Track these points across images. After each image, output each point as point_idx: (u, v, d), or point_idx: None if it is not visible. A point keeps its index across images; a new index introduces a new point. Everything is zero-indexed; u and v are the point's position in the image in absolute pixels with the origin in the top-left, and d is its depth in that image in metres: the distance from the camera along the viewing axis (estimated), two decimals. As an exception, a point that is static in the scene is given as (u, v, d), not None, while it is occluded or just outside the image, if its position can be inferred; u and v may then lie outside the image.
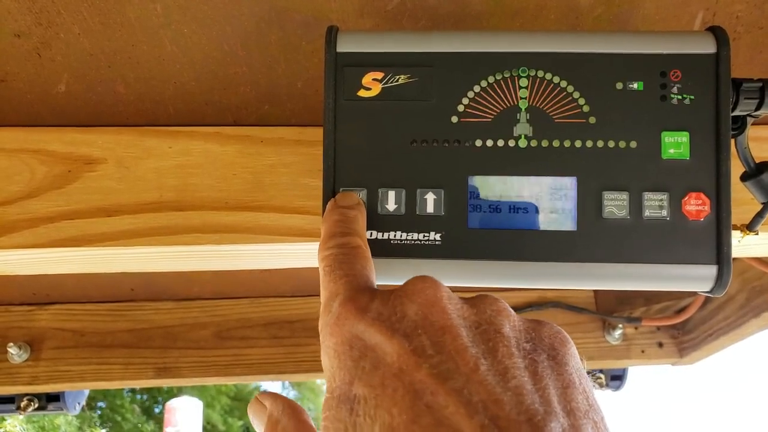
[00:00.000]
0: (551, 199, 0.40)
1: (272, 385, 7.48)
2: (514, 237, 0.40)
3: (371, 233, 0.41)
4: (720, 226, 0.39)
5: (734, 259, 0.82)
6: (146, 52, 0.48)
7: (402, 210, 0.40)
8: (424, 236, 0.40)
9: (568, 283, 0.40)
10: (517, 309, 0.92)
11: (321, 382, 7.98)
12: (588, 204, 0.40)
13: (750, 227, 0.43)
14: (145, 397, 6.34)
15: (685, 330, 0.94)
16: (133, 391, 6.25)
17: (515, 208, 0.40)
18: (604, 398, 1.03)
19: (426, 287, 0.29)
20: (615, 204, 0.40)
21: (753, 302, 0.77)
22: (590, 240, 0.40)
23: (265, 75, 0.51)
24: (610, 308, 0.95)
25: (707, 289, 0.40)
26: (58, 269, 0.53)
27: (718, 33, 0.40)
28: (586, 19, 0.47)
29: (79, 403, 0.96)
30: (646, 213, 0.40)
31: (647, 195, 0.40)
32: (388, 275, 0.41)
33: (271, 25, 0.46)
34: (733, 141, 0.46)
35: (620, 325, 0.94)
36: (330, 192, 0.41)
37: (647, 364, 0.97)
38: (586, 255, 0.40)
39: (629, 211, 0.40)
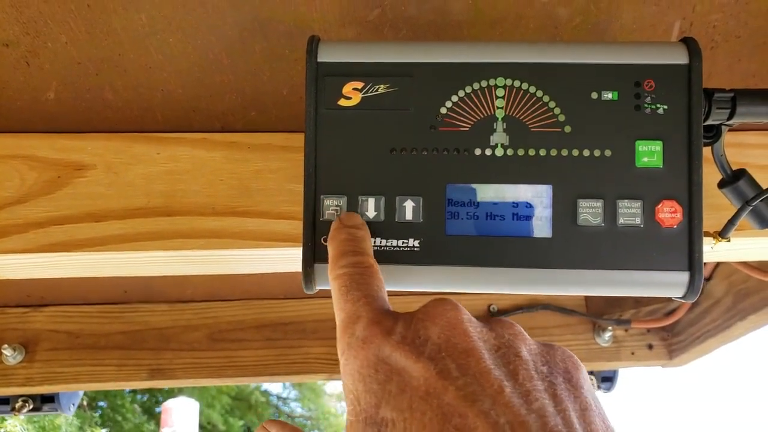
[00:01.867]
0: (527, 207, 0.41)
1: (272, 384, 7.49)
2: (490, 243, 0.41)
3: (351, 240, 0.41)
4: (692, 233, 0.40)
5: (720, 262, 0.83)
6: (133, 60, 0.49)
7: (381, 217, 0.41)
8: (403, 243, 0.41)
9: (544, 289, 0.41)
10: (507, 312, 0.93)
11: (322, 382, 7.97)
12: (563, 211, 0.41)
13: (722, 234, 0.44)
14: (145, 397, 6.36)
15: (674, 332, 0.95)
16: (134, 391, 6.26)
17: (492, 215, 0.41)
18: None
19: (447, 310, 0.30)
20: (590, 211, 0.40)
21: (739, 305, 0.78)
22: (565, 247, 0.40)
23: (251, 83, 0.52)
24: (600, 310, 0.96)
25: (680, 295, 0.41)
26: (47, 274, 0.54)
27: (690, 44, 0.41)
28: (564, 28, 0.48)
29: (73, 404, 0.97)
30: (621, 220, 0.40)
31: (621, 203, 0.40)
32: (367, 281, 0.42)
33: (254, 35, 0.47)
34: (709, 149, 0.47)
35: (610, 328, 0.94)
36: (311, 199, 0.42)
37: (637, 365, 0.97)
38: (561, 261, 0.40)
39: (604, 218, 0.40)
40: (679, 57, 0.41)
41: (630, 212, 0.40)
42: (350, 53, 0.42)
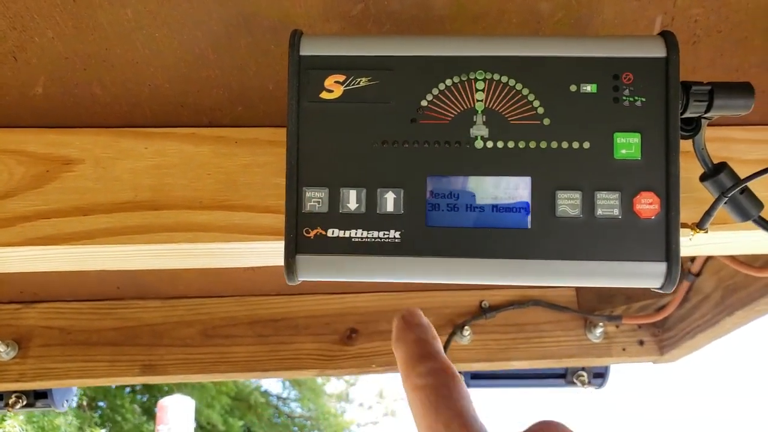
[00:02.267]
0: (506, 199, 0.41)
1: (272, 383, 7.49)
2: (470, 235, 0.41)
3: (333, 231, 0.42)
4: (669, 224, 0.41)
5: (709, 257, 0.84)
6: (120, 55, 0.49)
7: (363, 209, 0.42)
8: (384, 234, 0.42)
9: (523, 280, 0.42)
10: (498, 307, 0.94)
11: (321, 382, 7.98)
12: (542, 203, 0.41)
13: (700, 225, 0.44)
14: (145, 397, 6.36)
15: (664, 328, 0.95)
16: (133, 391, 6.26)
17: (472, 207, 0.41)
18: (586, 396, 1.05)
19: None
20: (568, 203, 0.41)
21: (727, 300, 0.78)
22: (544, 238, 0.41)
23: (237, 78, 0.52)
24: (591, 307, 0.96)
25: (658, 286, 0.41)
26: (34, 267, 0.54)
27: (668, 38, 0.41)
28: (547, 23, 0.48)
29: (67, 401, 0.97)
30: (599, 212, 0.41)
31: (599, 194, 0.41)
32: (349, 273, 0.42)
33: (239, 30, 0.48)
34: (690, 142, 0.47)
35: (601, 324, 0.95)
36: (294, 190, 0.42)
37: (628, 361, 0.98)
38: (539, 252, 0.41)
39: (582, 209, 0.41)
40: (657, 50, 0.41)
41: (608, 204, 0.41)
42: (332, 47, 0.42)
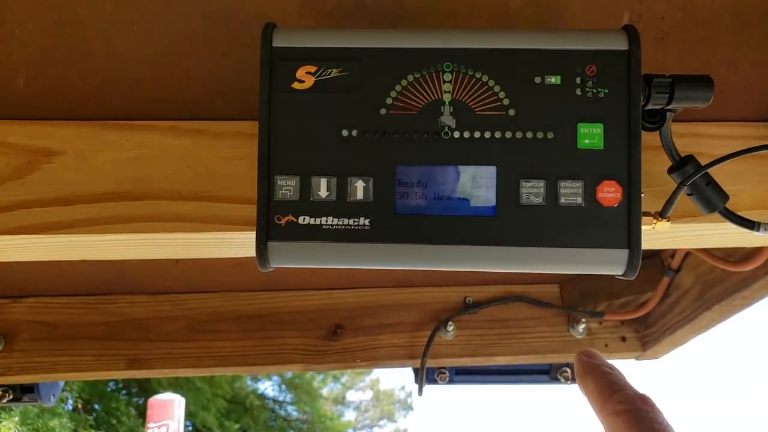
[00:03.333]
0: (473, 187, 0.42)
1: (268, 386, 7.48)
2: (438, 222, 0.42)
3: (304, 218, 0.43)
4: (631, 212, 0.42)
5: (688, 253, 0.85)
6: (100, 48, 0.50)
7: (333, 196, 0.43)
8: (354, 221, 0.43)
9: (489, 266, 0.43)
10: (482, 303, 0.95)
11: (317, 385, 7.96)
12: (507, 191, 0.42)
13: (662, 214, 0.46)
14: (141, 400, 6.34)
15: (646, 324, 0.96)
16: (129, 393, 6.25)
17: (439, 195, 0.42)
18: (570, 393, 1.06)
19: None
20: (532, 191, 0.42)
21: (705, 296, 0.79)
22: (509, 225, 0.42)
23: (216, 71, 0.53)
24: (574, 303, 0.97)
25: (620, 272, 0.42)
26: (16, 256, 0.55)
27: (630, 31, 0.43)
28: (517, 18, 0.50)
29: (53, 395, 0.98)
30: (562, 200, 0.42)
31: (563, 183, 0.42)
32: (319, 259, 0.43)
33: (216, 23, 0.49)
34: (657, 134, 0.49)
35: (584, 320, 0.96)
36: (265, 179, 0.43)
37: (611, 358, 0.98)
38: (504, 239, 0.42)
39: (546, 198, 0.42)
40: (619, 43, 0.43)
41: (571, 192, 0.42)
42: (304, 39, 0.44)
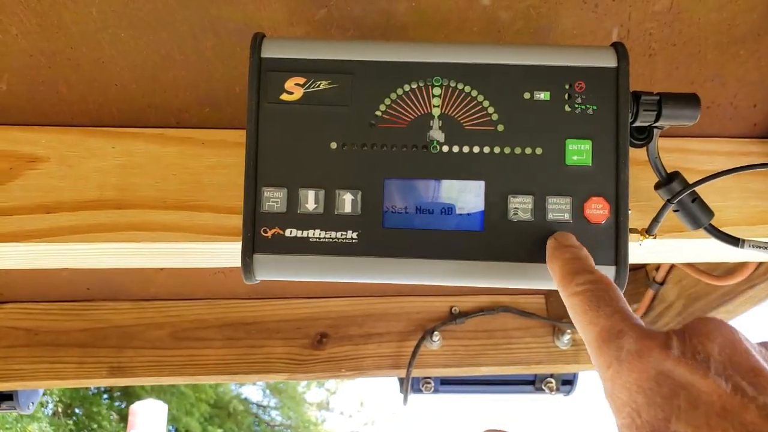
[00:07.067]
0: (460, 202, 0.42)
1: (252, 391, 7.43)
2: (425, 236, 0.42)
3: (291, 231, 0.43)
4: (618, 229, 0.42)
5: (673, 266, 0.85)
6: (85, 54, 0.50)
7: (321, 209, 0.42)
8: (341, 235, 0.42)
9: (476, 281, 0.42)
10: (468, 313, 0.95)
11: (302, 390, 7.92)
12: (495, 207, 0.42)
13: (648, 231, 0.46)
14: (123, 404, 6.27)
15: (631, 336, 0.97)
16: (111, 398, 6.17)
17: (427, 209, 0.42)
18: (555, 403, 1.06)
19: (722, 327, 0.30)
20: (520, 207, 0.42)
21: (689, 309, 0.80)
22: (496, 240, 0.42)
23: (204, 79, 0.53)
24: (559, 314, 0.97)
25: (607, 289, 0.42)
26: (-4, 264, 0.54)
27: (618, 48, 0.43)
28: (507, 32, 0.50)
29: (32, 402, 0.96)
30: (550, 216, 0.42)
31: (551, 199, 0.42)
32: (306, 272, 0.43)
33: (205, 32, 0.48)
34: (645, 150, 0.49)
35: (569, 331, 0.96)
36: (252, 190, 0.43)
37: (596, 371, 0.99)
38: (492, 254, 0.42)
39: (533, 214, 0.42)
40: (608, 60, 0.43)
41: (559, 208, 0.42)
42: (293, 50, 0.43)
